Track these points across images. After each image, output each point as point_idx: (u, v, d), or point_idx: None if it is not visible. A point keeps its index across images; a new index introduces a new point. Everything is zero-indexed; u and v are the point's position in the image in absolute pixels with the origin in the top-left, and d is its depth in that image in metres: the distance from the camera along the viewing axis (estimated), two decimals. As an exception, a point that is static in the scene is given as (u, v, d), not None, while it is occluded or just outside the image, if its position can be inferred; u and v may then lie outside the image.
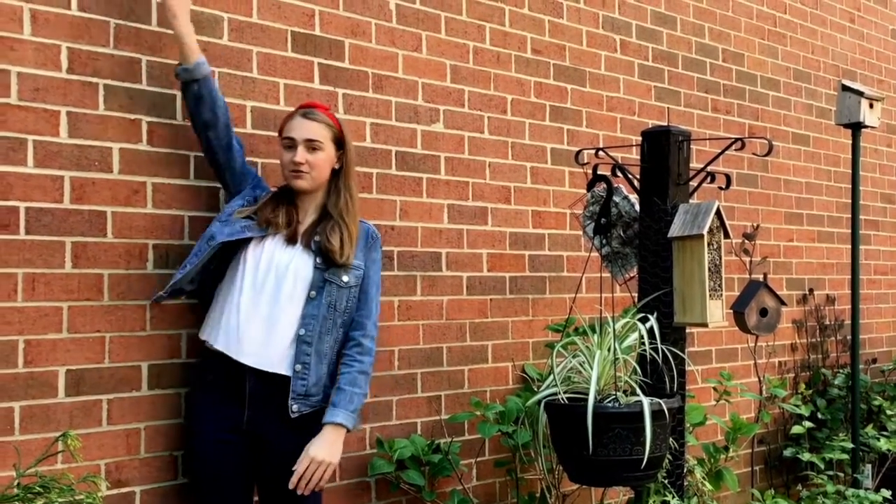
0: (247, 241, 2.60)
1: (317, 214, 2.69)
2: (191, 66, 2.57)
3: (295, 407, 2.58)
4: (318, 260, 2.63)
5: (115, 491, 2.58)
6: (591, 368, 2.46)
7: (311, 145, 2.63)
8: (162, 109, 2.71)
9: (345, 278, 2.65)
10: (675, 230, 2.70)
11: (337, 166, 2.70)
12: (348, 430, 2.60)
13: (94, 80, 2.59)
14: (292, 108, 2.77)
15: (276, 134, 2.92)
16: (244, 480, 2.62)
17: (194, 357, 2.72)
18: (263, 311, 2.57)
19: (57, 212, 2.52)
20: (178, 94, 2.74)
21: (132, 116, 2.66)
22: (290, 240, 2.62)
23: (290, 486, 2.52)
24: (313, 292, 2.61)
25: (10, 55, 2.45)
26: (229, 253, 2.63)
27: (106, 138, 2.61)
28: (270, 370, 2.56)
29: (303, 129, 2.63)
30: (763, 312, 3.23)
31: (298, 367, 2.58)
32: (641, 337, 2.57)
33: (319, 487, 2.56)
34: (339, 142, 2.70)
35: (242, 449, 2.58)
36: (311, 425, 2.60)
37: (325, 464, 2.54)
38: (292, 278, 2.59)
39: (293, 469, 2.53)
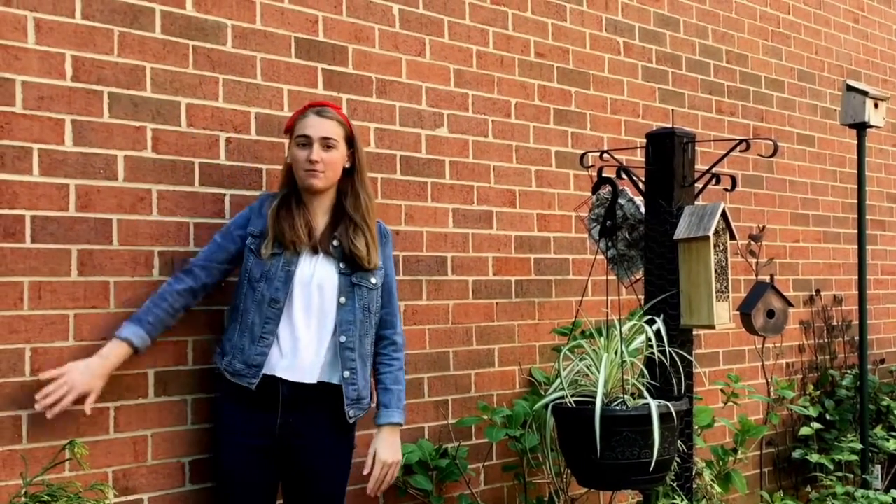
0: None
1: (329, 216, 2.67)
2: (140, 347, 2.52)
3: (351, 413, 2.62)
4: (341, 265, 2.62)
5: (122, 498, 2.58)
6: (598, 371, 2.45)
7: (327, 143, 2.60)
8: (167, 117, 2.72)
9: (373, 280, 2.66)
10: (680, 232, 2.69)
11: (347, 165, 2.68)
12: (401, 426, 2.72)
13: (99, 87, 2.60)
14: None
15: (280, 140, 2.93)
16: (270, 485, 2.63)
17: (201, 364, 2.72)
18: (299, 328, 2.57)
19: (63, 220, 2.52)
20: (183, 100, 2.75)
21: (137, 124, 2.66)
22: (314, 250, 2.61)
23: (369, 492, 2.66)
24: (343, 298, 2.60)
25: (15, 64, 2.46)
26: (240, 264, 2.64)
27: (111, 146, 2.61)
28: (311, 381, 2.58)
29: (318, 126, 2.60)
30: (770, 314, 3.23)
31: (347, 373, 2.59)
32: (648, 339, 2.56)
33: (388, 485, 2.72)
34: (350, 141, 2.68)
35: (271, 454, 2.59)
36: (354, 427, 2.70)
37: (395, 464, 2.70)
38: (317, 289, 2.58)
39: (365, 473, 2.66)
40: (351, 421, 2.63)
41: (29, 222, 2.47)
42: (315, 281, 2.58)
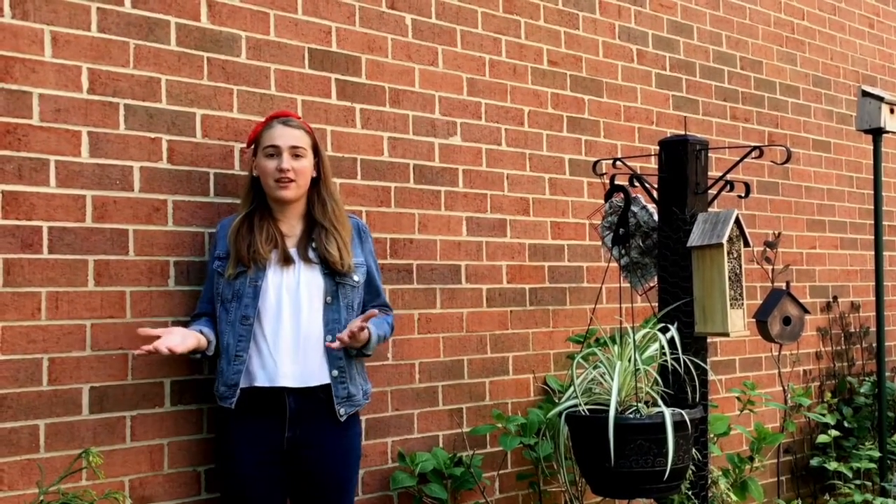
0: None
1: (302, 223, 2.69)
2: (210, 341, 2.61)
3: (342, 411, 2.61)
4: (322, 267, 2.63)
5: (139, 507, 2.60)
6: (612, 379, 2.44)
7: (296, 152, 2.62)
8: (182, 128, 2.74)
9: (355, 277, 2.68)
10: (694, 240, 2.68)
11: (314, 174, 2.70)
12: (368, 346, 2.63)
13: (115, 99, 2.63)
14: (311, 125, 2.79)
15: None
16: (280, 499, 2.63)
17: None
18: (290, 336, 2.58)
19: (79, 231, 2.55)
20: (198, 112, 2.77)
21: (152, 135, 2.69)
22: (286, 260, 2.61)
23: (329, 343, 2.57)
24: (329, 298, 2.62)
25: (32, 77, 2.49)
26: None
27: (127, 157, 2.64)
28: (312, 385, 2.59)
29: (286, 136, 2.62)
30: (786, 321, 3.20)
31: (335, 372, 2.60)
32: (662, 347, 2.55)
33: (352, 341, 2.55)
34: (315, 149, 2.70)
35: (280, 468, 2.59)
36: (353, 423, 2.68)
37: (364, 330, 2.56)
38: (307, 293, 2.60)
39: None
40: (342, 419, 2.61)
41: (46, 233, 2.49)
42: (303, 286, 2.59)
